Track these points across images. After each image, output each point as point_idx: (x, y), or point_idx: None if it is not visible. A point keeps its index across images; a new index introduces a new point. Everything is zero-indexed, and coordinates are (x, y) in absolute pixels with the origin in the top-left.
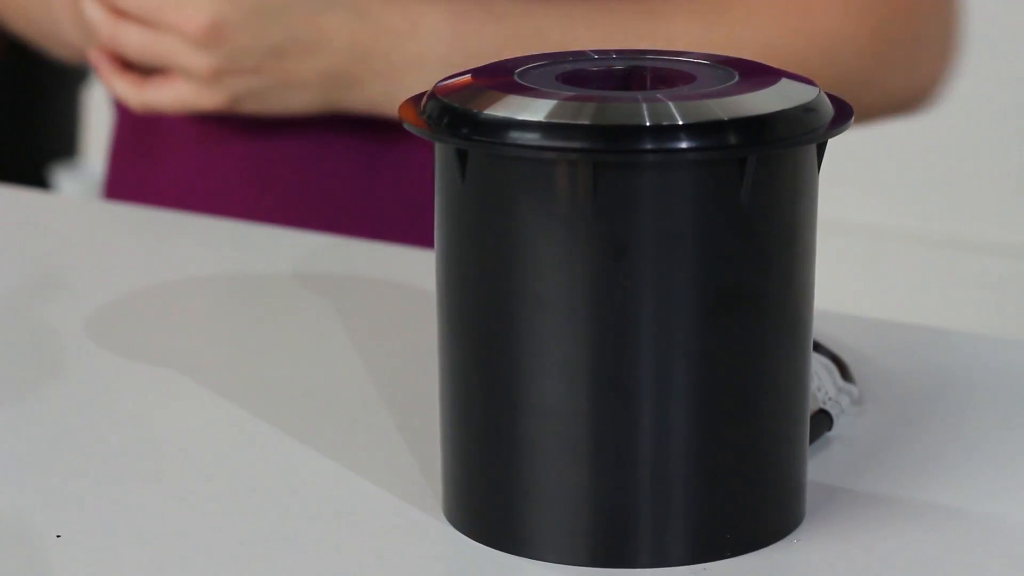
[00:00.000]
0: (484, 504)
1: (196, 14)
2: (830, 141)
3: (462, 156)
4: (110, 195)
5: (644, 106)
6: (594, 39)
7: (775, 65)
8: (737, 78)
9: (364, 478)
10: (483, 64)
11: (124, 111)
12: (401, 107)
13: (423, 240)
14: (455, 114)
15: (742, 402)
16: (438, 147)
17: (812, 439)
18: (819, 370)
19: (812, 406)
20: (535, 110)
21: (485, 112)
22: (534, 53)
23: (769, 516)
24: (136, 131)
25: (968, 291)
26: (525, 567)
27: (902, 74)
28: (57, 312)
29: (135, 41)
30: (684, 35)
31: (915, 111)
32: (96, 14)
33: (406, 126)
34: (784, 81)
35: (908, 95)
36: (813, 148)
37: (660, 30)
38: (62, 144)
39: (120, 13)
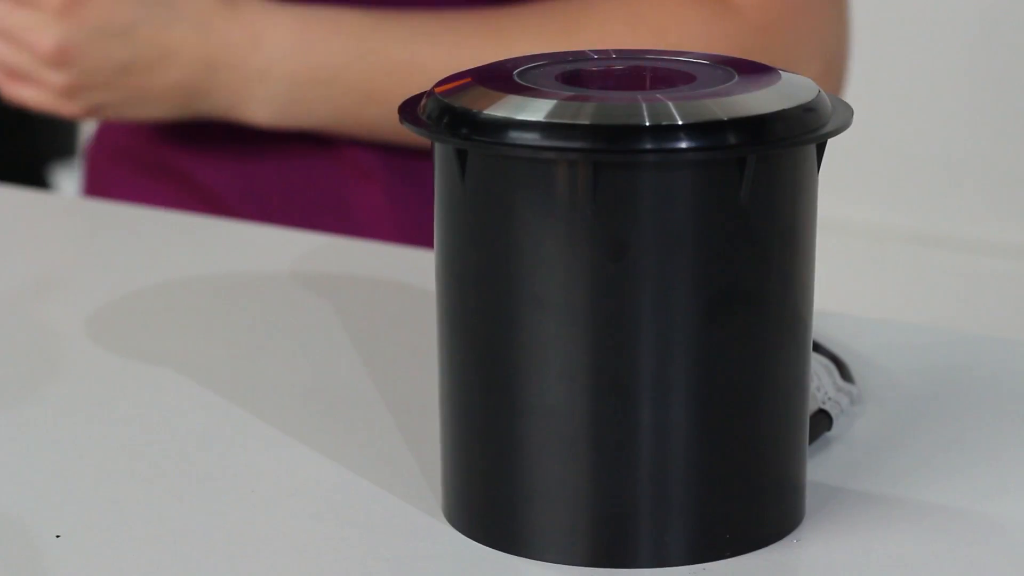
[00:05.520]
0: (484, 504)
1: (43, 38)
2: (830, 141)
3: (462, 156)
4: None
5: (644, 106)
6: (438, 57)
7: None
8: (737, 78)
9: (364, 478)
10: (330, 77)
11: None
12: (401, 107)
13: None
14: (455, 114)
15: (742, 402)
16: (438, 147)
17: (812, 439)
18: (819, 370)
19: (812, 406)
20: (535, 110)
21: (485, 112)
22: (377, 69)
23: (769, 516)
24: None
25: (968, 291)
26: (525, 567)
27: None
28: (56, 312)
29: None
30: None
31: None
32: None
33: (406, 126)
34: (784, 81)
35: None
36: (813, 148)
37: (505, 51)
38: (62, 144)
39: None
